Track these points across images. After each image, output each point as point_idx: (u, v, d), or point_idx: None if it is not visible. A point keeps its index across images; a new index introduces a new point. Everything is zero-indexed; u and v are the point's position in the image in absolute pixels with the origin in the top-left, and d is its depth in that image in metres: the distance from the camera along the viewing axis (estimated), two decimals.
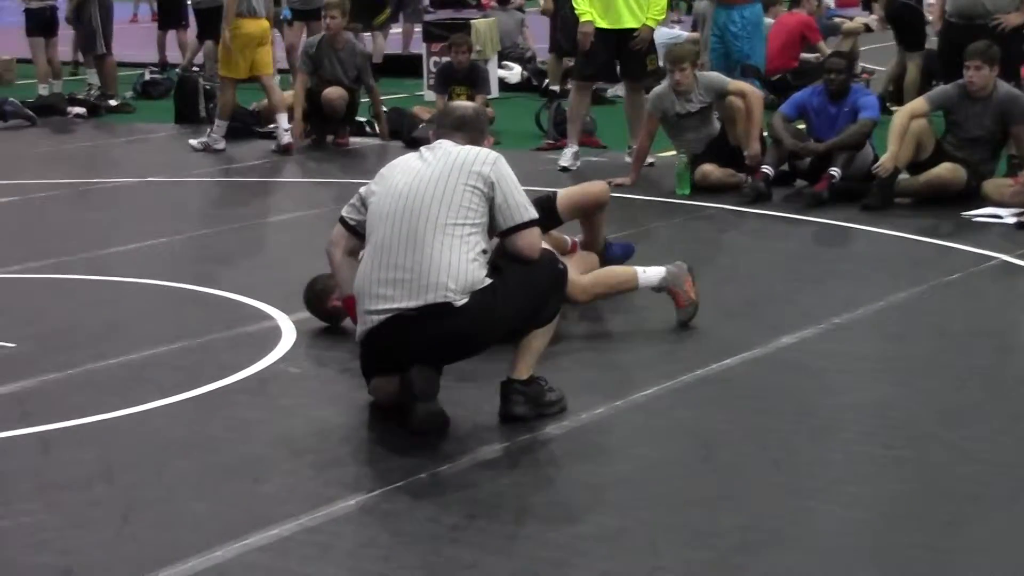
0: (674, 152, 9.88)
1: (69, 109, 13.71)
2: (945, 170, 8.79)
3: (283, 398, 5.46)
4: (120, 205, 9.78)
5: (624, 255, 6.89)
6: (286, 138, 11.37)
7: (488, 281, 4.95)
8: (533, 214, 5.11)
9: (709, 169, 9.57)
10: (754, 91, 9.72)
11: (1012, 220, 8.24)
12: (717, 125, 9.78)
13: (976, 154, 8.90)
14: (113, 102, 14.07)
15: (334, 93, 11.65)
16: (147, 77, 15.44)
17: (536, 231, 5.10)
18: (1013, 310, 6.68)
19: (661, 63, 10.37)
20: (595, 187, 6.67)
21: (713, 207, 9.03)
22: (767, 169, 9.27)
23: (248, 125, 12.54)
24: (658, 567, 3.98)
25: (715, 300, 6.37)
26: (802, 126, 9.64)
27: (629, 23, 10.13)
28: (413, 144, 9.98)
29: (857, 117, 9.19)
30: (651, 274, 6.24)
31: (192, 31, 15.88)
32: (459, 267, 4.91)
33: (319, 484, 4.57)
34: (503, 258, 5.11)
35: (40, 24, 14.31)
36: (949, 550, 4.09)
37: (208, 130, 11.74)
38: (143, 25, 15.99)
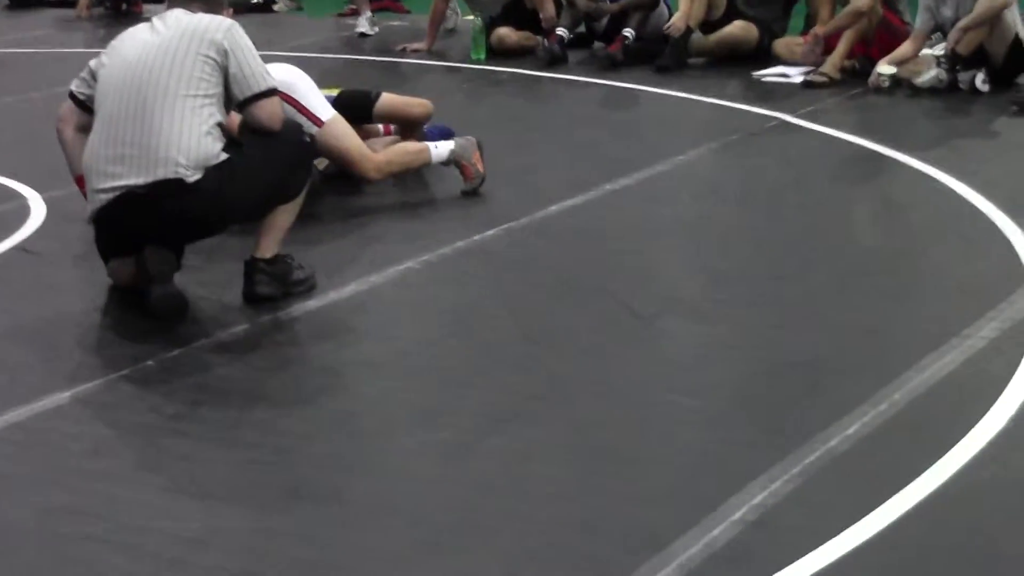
0: (472, 16, 9.63)
1: None
2: (737, 28, 8.71)
3: (18, 283, 5.16)
4: None
5: (443, 139, 6.71)
6: None
7: (224, 156, 4.68)
8: (272, 83, 4.83)
9: (505, 32, 9.38)
10: None
11: (799, 79, 8.18)
12: None
13: (768, 12, 8.83)
14: None
15: None
16: None
17: (276, 100, 4.83)
18: (788, 170, 6.58)
19: None
20: (419, 107, 6.54)
21: (508, 72, 8.84)
22: (562, 32, 9.10)
23: None
24: (387, 449, 3.80)
25: (493, 169, 6.17)
26: None
27: None
28: None
29: None
30: (442, 148, 6.13)
31: None
32: (191, 141, 4.62)
33: (39, 376, 4.30)
34: (245, 134, 4.85)
35: None
36: (696, 409, 3.92)
37: None
38: None
